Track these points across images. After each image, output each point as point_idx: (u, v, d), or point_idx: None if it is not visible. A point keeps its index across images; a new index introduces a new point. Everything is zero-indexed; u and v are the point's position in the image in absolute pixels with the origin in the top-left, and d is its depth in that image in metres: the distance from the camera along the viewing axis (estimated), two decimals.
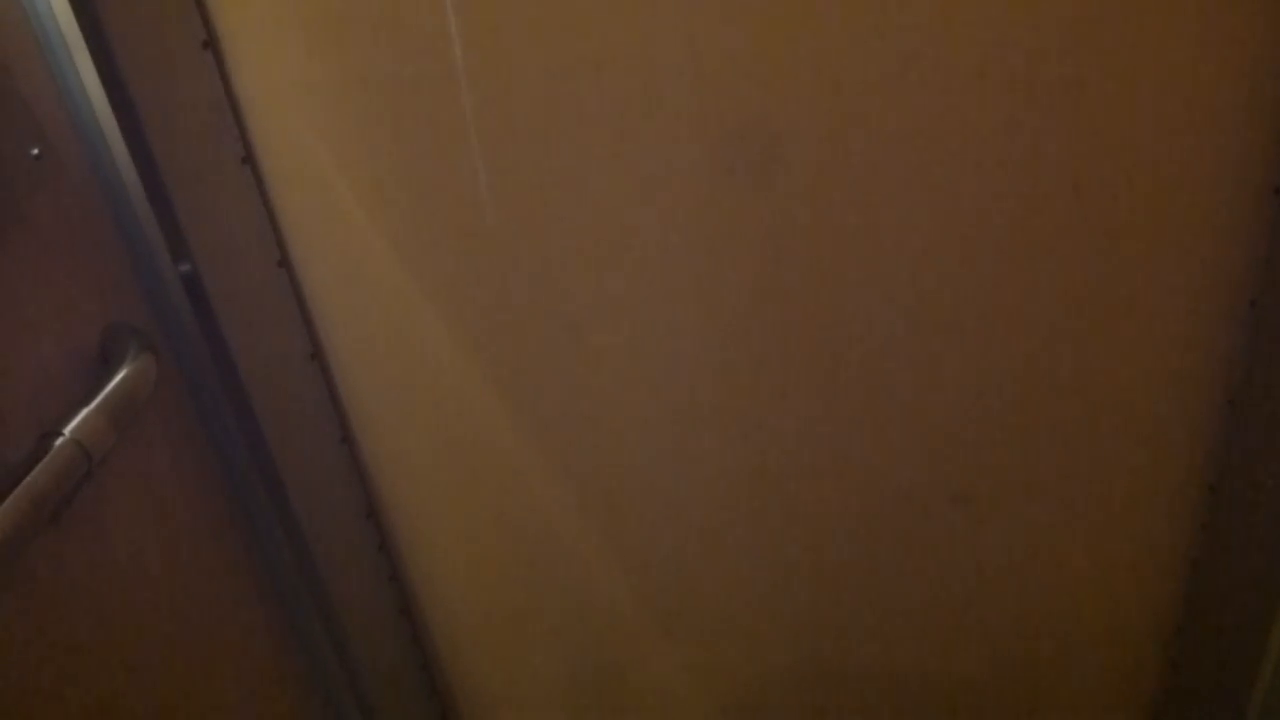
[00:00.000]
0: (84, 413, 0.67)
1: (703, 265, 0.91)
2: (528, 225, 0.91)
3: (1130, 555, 1.04)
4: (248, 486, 0.93)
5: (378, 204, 0.92)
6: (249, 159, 0.90)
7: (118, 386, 0.71)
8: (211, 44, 0.84)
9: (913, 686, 1.21)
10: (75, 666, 0.71)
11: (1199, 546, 1.00)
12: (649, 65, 0.82)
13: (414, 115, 0.87)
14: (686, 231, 0.90)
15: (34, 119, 0.67)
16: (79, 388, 0.70)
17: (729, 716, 1.29)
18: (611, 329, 0.97)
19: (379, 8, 0.82)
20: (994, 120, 0.80)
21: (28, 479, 0.61)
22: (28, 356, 0.67)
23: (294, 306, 0.98)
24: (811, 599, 1.15)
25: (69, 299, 0.72)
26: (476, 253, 0.93)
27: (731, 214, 0.88)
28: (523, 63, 0.83)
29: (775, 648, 1.20)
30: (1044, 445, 0.98)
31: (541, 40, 0.81)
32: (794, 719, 1.27)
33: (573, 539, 1.13)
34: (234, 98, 0.87)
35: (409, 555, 1.18)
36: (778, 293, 0.92)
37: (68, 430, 0.65)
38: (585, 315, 0.96)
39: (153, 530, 0.80)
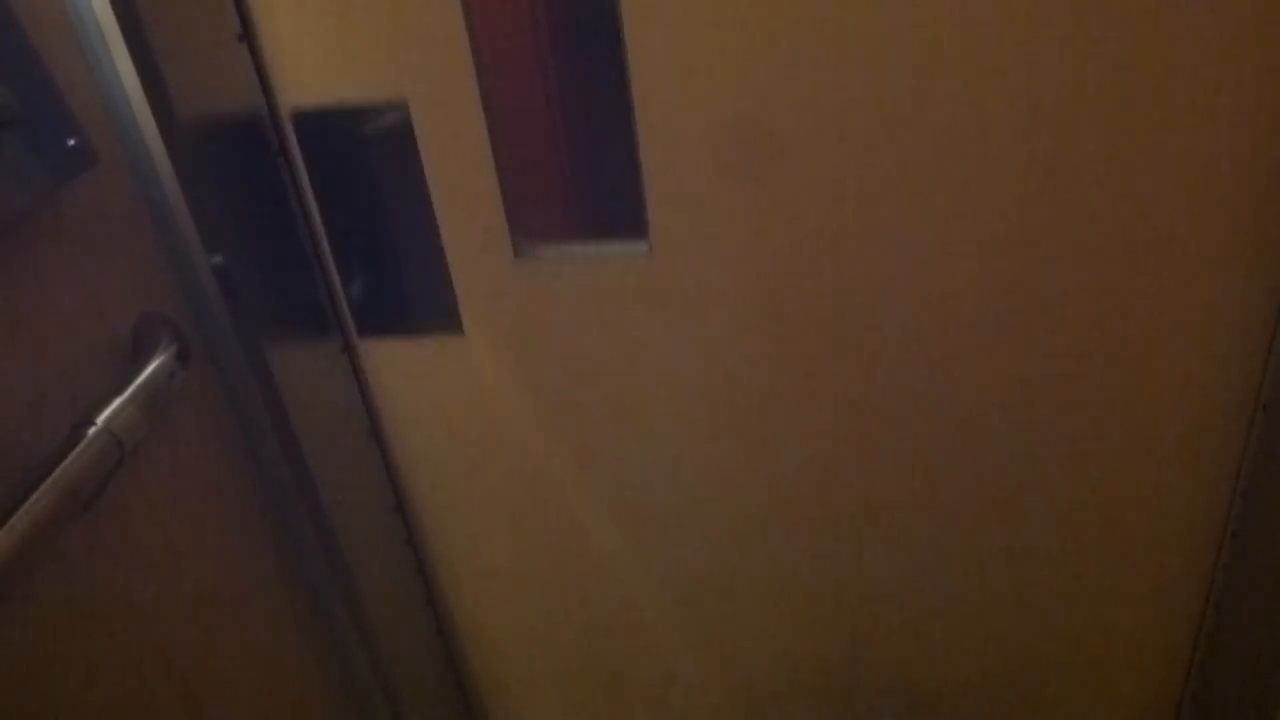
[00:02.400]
0: (116, 402, 0.67)
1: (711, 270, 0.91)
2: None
3: (1161, 563, 1.03)
4: (277, 477, 0.93)
5: None
6: (283, 152, 0.90)
7: (150, 377, 0.71)
8: (246, 36, 0.84)
9: (931, 691, 1.21)
10: (106, 651, 0.72)
11: (1229, 553, 0.99)
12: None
13: (445, 106, 0.87)
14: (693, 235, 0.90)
15: (70, 109, 0.68)
16: (112, 377, 0.70)
17: (749, 714, 1.29)
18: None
19: None
20: (1004, 121, 0.80)
21: (61, 467, 0.62)
22: (62, 346, 0.68)
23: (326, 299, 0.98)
24: (830, 601, 1.14)
25: (103, 289, 0.72)
26: (506, 250, 0.94)
27: (734, 211, 0.88)
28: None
29: (795, 649, 1.20)
30: (1073, 451, 0.97)
31: None
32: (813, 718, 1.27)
33: (597, 536, 1.13)
34: (269, 90, 0.87)
35: (435, 549, 1.18)
36: (792, 299, 0.92)
37: (100, 419, 0.66)
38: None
39: (183, 519, 0.81)
